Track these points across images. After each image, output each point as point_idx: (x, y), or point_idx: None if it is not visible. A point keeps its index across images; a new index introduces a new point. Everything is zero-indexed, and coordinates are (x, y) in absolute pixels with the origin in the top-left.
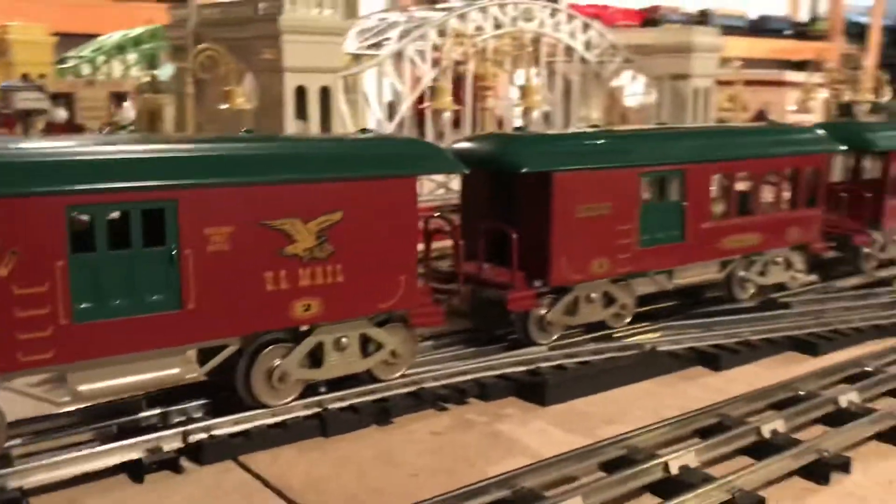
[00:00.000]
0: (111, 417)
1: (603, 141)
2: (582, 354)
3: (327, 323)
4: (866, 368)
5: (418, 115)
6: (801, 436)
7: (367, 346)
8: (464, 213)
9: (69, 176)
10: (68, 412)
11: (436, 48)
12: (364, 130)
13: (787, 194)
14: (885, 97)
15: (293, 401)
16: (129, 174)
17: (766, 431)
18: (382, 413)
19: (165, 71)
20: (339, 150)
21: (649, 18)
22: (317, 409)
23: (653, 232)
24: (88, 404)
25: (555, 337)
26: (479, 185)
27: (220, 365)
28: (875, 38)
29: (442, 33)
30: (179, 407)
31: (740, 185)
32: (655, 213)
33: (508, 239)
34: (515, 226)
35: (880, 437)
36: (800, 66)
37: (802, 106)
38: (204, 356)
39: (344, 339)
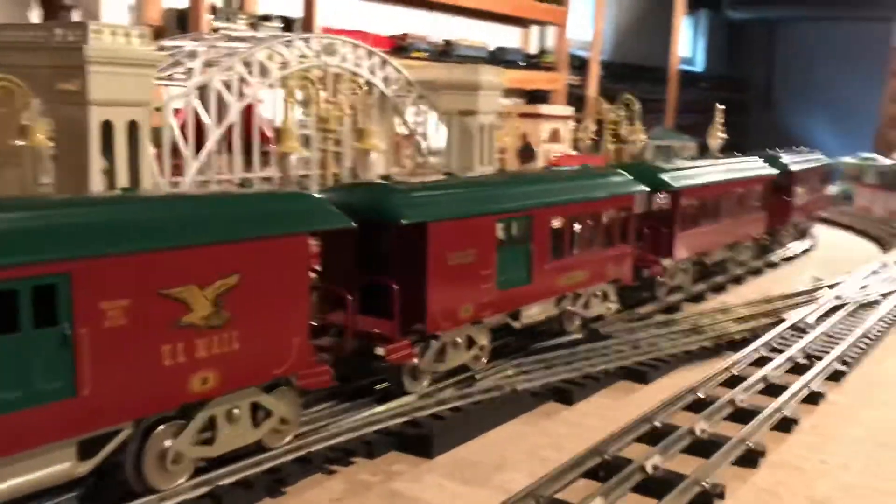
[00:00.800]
0: None
1: (466, 189)
2: (451, 400)
3: (221, 395)
4: (699, 395)
5: (228, 148)
6: (674, 467)
7: (256, 414)
8: (325, 262)
9: None
10: None
11: (243, 81)
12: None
13: (604, 233)
14: (633, 134)
15: (184, 482)
16: (14, 247)
17: (649, 467)
18: (275, 483)
19: None
20: (233, 209)
21: (399, 46)
22: (207, 488)
23: (507, 274)
24: None
25: (425, 384)
26: (345, 235)
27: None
28: (594, 71)
29: (248, 64)
30: (54, 502)
31: (571, 227)
32: (509, 256)
33: (388, 290)
34: (389, 276)
35: (738, 461)
36: (532, 94)
37: (553, 138)
38: (83, 445)
39: (236, 411)
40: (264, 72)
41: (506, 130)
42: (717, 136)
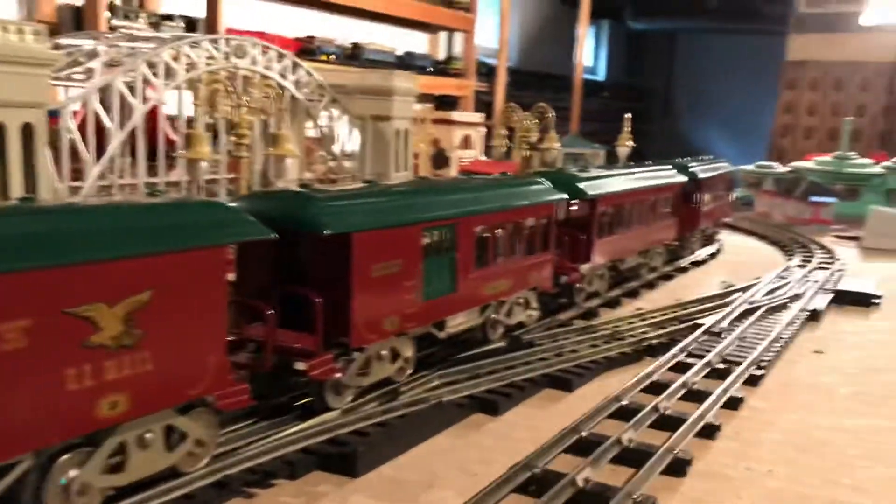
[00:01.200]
0: None
1: (390, 198)
2: (376, 415)
3: (132, 419)
4: (623, 403)
5: (132, 152)
6: (605, 479)
7: (170, 438)
8: (241, 274)
9: None
10: None
11: (146, 82)
12: (24, 199)
13: (526, 241)
14: (549, 142)
15: None
16: None
17: (580, 481)
18: None
19: None
20: (144, 220)
21: (305, 48)
22: None
23: (432, 285)
24: None
25: (348, 399)
26: (262, 245)
27: None
28: (501, 78)
29: (152, 65)
30: None
31: (495, 235)
32: (434, 266)
33: (309, 303)
34: (310, 288)
35: (666, 471)
36: (440, 100)
37: (466, 143)
38: None
39: (148, 435)
40: (170, 73)
41: (420, 136)
42: (625, 144)
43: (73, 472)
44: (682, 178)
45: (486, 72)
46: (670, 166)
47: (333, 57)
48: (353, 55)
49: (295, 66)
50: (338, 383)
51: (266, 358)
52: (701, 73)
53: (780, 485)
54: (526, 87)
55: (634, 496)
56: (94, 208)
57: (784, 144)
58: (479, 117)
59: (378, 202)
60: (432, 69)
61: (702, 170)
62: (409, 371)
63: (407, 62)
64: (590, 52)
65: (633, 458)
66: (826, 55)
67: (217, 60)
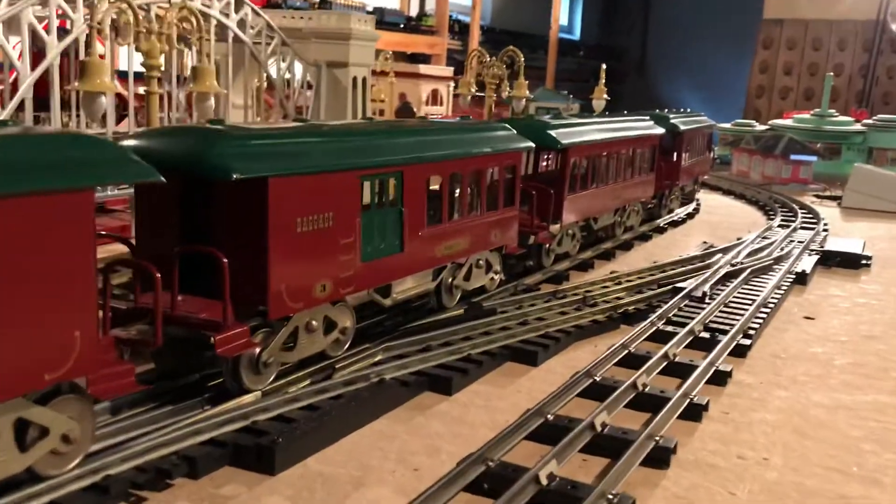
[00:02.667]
0: None
1: (320, 139)
2: (304, 397)
3: None
4: (595, 379)
5: (42, 97)
6: (573, 474)
7: (24, 434)
8: (140, 228)
9: None
10: None
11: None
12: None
13: (488, 195)
14: (507, 91)
15: None
16: None
17: (543, 478)
18: None
19: None
20: None
21: (273, 2)
22: None
23: (374, 244)
24: None
25: (270, 379)
26: (162, 193)
27: None
28: (475, 36)
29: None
30: None
31: (449, 186)
32: (376, 221)
33: (217, 265)
34: (218, 246)
35: (646, 461)
36: (413, 57)
37: (434, 98)
38: None
39: None
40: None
41: (381, 87)
42: (601, 97)
43: None
44: (661, 130)
45: (460, 30)
46: (648, 117)
47: (301, 12)
48: (321, 8)
49: (239, 4)
50: (257, 360)
51: (156, 332)
52: (676, 33)
53: (778, 476)
54: (500, 46)
55: (609, 495)
56: None
57: (759, 105)
58: (448, 71)
59: (306, 142)
60: (403, 26)
61: (682, 122)
62: (347, 344)
63: (378, 18)
64: (565, 12)
65: (609, 445)
66: (804, 13)
67: None
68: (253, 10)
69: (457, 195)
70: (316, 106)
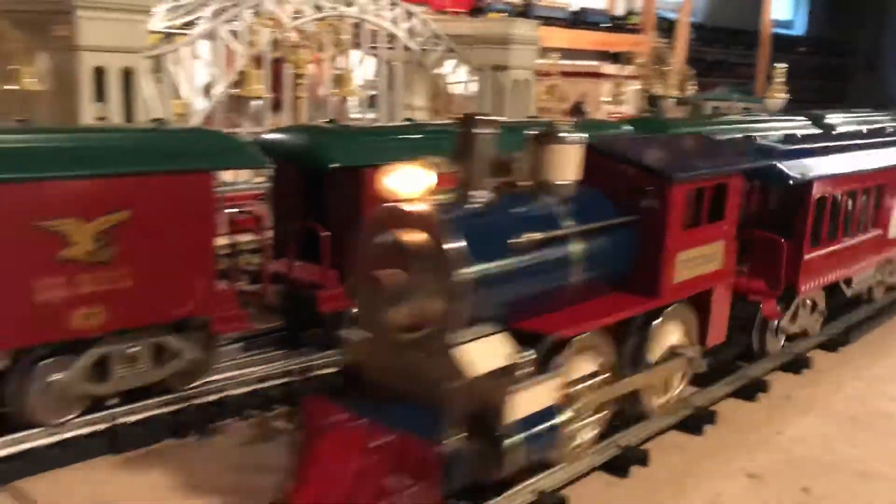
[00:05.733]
0: None
1: (408, 136)
2: None
3: (113, 332)
4: None
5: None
6: None
7: (161, 355)
8: (274, 208)
9: None
10: None
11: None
12: (157, 121)
13: None
14: (690, 91)
15: (76, 417)
16: None
17: None
18: (180, 427)
19: None
20: (125, 142)
21: (477, 6)
22: (105, 425)
23: None
24: None
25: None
26: (289, 180)
27: None
28: (683, 34)
29: (257, 14)
30: None
31: None
32: None
33: (317, 237)
34: (326, 223)
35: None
36: (617, 57)
37: (615, 98)
38: None
39: (133, 350)
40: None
41: (545, 88)
42: (774, 96)
43: (55, 376)
44: None
45: (668, 27)
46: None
47: (504, 14)
48: (523, 12)
49: (409, 14)
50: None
51: (264, 288)
52: None
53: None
54: (712, 44)
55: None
56: (81, 129)
57: None
58: (631, 70)
59: (397, 139)
60: (608, 25)
61: None
62: None
63: (580, 18)
64: (787, 6)
65: None
66: None
67: (324, 8)
68: (420, 20)
69: None
70: (480, 108)
